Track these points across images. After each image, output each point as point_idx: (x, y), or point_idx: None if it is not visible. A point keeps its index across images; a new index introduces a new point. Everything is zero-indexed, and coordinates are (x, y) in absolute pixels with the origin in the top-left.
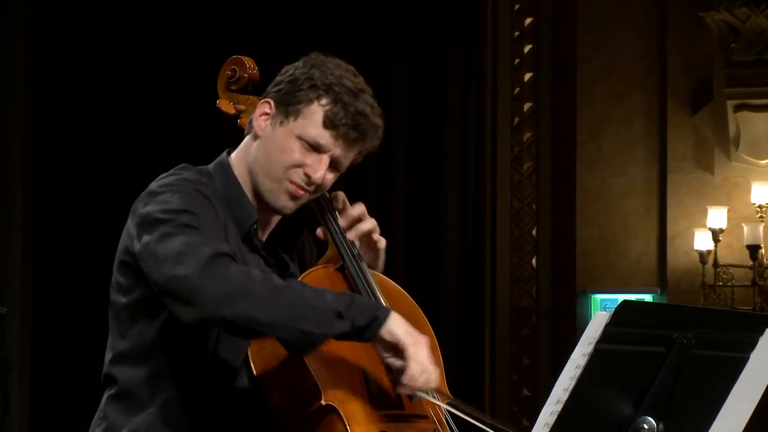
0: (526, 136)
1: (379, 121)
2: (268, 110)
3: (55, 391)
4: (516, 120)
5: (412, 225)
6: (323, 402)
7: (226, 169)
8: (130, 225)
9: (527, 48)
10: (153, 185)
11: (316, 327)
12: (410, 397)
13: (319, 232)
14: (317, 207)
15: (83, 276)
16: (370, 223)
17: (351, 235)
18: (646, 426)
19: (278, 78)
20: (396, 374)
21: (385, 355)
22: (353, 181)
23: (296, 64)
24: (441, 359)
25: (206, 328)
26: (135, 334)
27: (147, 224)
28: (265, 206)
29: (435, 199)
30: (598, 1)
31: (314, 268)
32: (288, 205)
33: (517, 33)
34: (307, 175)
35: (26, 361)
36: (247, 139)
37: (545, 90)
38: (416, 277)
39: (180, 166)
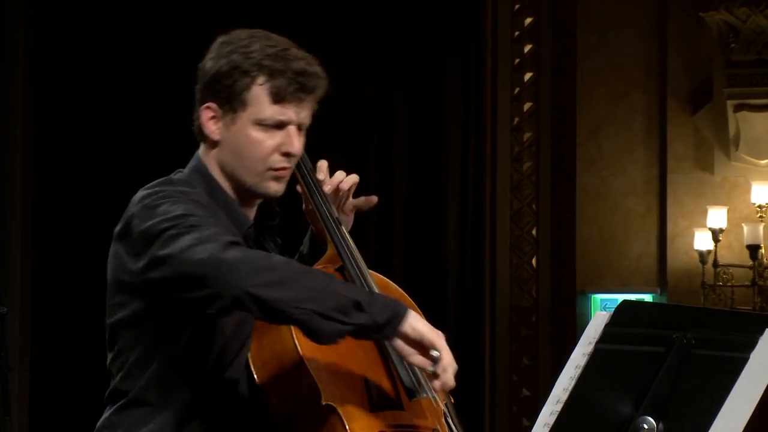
0: (526, 136)
1: (319, 70)
2: (212, 114)
3: (55, 391)
4: (516, 120)
5: (412, 225)
6: (323, 402)
7: (207, 176)
8: (126, 246)
9: (527, 48)
10: (146, 201)
11: (340, 315)
12: (410, 397)
13: (299, 188)
14: (307, 189)
15: (83, 276)
16: (351, 180)
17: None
18: (646, 426)
19: (200, 78)
20: (427, 369)
21: (409, 352)
22: None
23: (208, 56)
24: None
25: (223, 315)
26: (141, 345)
27: (152, 236)
28: (251, 195)
29: (435, 199)
30: (598, 1)
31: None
32: (278, 189)
33: (517, 33)
34: (285, 154)
35: (26, 361)
36: (203, 147)
37: (545, 90)
38: (416, 277)
39: (160, 180)
